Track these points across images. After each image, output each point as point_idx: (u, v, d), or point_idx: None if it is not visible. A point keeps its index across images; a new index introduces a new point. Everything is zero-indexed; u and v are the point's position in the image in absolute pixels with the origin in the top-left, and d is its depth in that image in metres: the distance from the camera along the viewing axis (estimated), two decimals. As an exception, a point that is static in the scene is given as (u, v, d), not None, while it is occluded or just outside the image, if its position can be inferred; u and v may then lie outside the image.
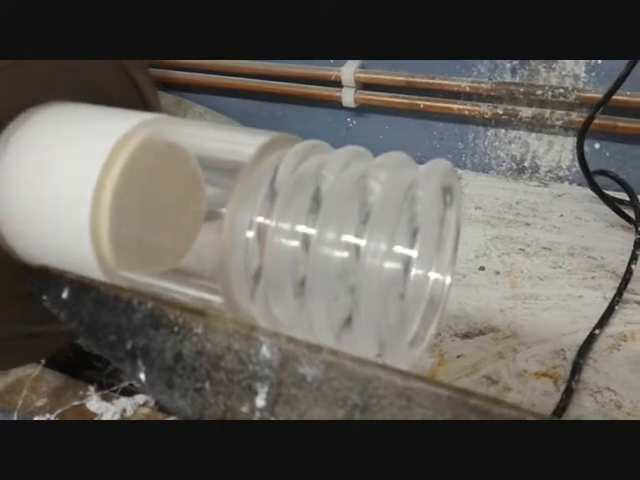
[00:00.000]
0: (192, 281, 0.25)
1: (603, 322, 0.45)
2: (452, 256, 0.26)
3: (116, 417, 0.37)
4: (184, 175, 0.26)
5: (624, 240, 0.55)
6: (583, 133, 0.55)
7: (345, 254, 0.22)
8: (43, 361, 0.40)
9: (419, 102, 0.67)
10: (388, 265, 0.21)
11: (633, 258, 0.50)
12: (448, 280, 0.26)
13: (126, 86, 0.34)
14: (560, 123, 0.63)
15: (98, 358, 0.42)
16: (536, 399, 0.40)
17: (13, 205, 0.26)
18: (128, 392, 0.39)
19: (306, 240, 0.22)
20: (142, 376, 0.23)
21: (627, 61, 0.51)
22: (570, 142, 0.64)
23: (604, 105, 0.54)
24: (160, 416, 0.37)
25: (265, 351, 0.21)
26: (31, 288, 0.27)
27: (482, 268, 0.53)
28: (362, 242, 0.21)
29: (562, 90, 0.60)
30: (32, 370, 0.40)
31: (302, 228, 0.23)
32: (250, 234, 0.23)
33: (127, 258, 0.26)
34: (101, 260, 0.25)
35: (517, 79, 0.64)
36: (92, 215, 0.24)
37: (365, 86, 0.70)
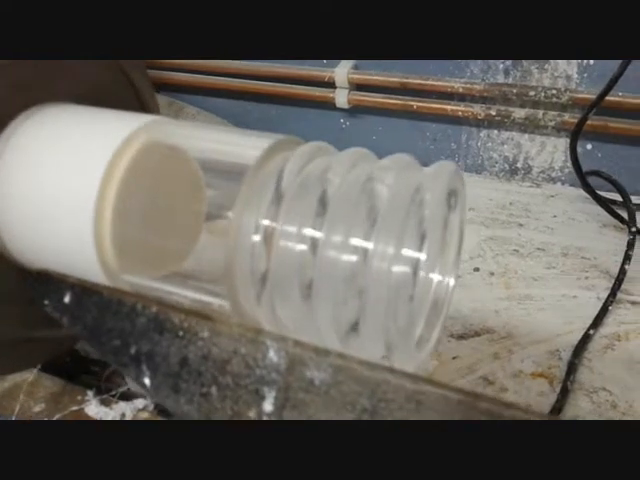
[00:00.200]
0: (196, 284, 0.25)
1: (597, 322, 0.46)
2: (456, 258, 0.26)
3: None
4: (185, 177, 0.26)
5: (617, 240, 0.55)
6: (576, 134, 0.55)
7: (352, 257, 0.22)
8: (39, 365, 0.40)
9: (412, 103, 0.67)
10: (396, 269, 0.21)
11: (626, 258, 0.50)
12: (452, 282, 0.26)
13: (124, 86, 0.34)
14: (553, 124, 0.63)
15: (95, 362, 0.42)
16: (532, 400, 0.40)
17: (13, 206, 0.26)
18: (127, 396, 0.38)
19: (313, 243, 0.22)
20: (147, 381, 0.23)
21: (619, 62, 0.51)
22: (563, 143, 0.65)
23: (597, 106, 0.54)
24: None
25: (272, 355, 0.21)
26: (32, 292, 0.26)
27: (477, 269, 0.54)
28: (370, 245, 0.21)
29: (555, 91, 0.61)
30: (28, 375, 0.40)
31: (309, 231, 0.22)
32: (256, 237, 0.23)
33: (130, 261, 0.25)
34: (104, 264, 0.25)
35: (510, 80, 0.64)
36: (95, 218, 0.24)
37: (358, 87, 0.70)
